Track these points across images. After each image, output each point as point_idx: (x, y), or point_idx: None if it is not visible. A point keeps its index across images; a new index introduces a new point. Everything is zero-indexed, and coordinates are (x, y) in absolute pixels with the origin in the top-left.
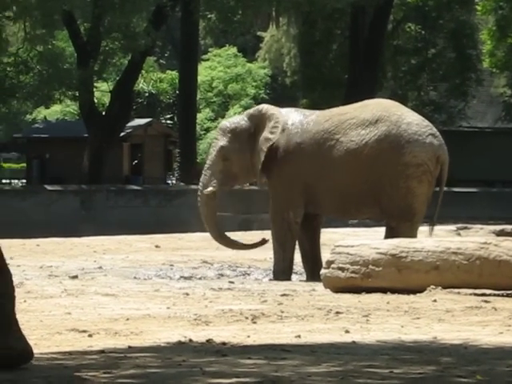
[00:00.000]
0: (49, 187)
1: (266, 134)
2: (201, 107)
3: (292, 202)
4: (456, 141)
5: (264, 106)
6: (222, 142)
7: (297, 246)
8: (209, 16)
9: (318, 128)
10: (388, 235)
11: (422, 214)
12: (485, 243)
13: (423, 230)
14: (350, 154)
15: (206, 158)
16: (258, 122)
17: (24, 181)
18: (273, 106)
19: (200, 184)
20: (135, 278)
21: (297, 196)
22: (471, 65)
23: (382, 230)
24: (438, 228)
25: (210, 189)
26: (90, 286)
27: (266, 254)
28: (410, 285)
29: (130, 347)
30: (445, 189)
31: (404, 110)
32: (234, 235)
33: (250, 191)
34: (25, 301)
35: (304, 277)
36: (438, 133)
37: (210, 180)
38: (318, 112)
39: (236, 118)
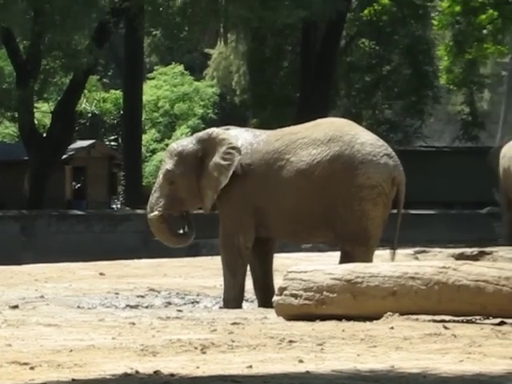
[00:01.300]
0: None
1: (216, 159)
2: (146, 128)
3: (242, 226)
4: (413, 161)
5: (214, 130)
6: (169, 165)
7: (248, 273)
8: (154, 33)
9: (268, 148)
10: (343, 260)
11: (377, 238)
12: (443, 267)
13: (380, 254)
14: (300, 174)
15: (153, 181)
16: (207, 146)
17: None
18: (223, 131)
19: (147, 207)
20: (79, 307)
21: (246, 219)
22: (428, 82)
23: (337, 254)
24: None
25: (155, 213)
26: (31, 316)
27: (216, 280)
28: (366, 311)
29: (73, 380)
30: (402, 211)
31: (358, 129)
32: (181, 261)
33: (199, 215)
34: None
35: (256, 304)
36: (393, 153)
37: (156, 203)
38: (268, 132)
39: (184, 141)
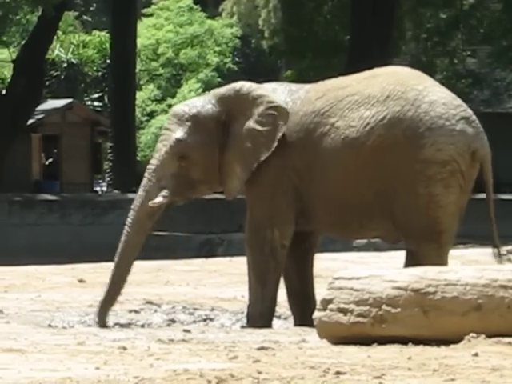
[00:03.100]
0: None
1: (251, 124)
2: (142, 83)
3: (278, 217)
4: (503, 127)
5: (244, 85)
6: (178, 133)
7: (281, 280)
8: None
9: (308, 108)
10: (409, 262)
11: (451, 232)
12: None
13: (459, 254)
14: (348, 145)
15: (152, 156)
16: (235, 107)
17: None
18: (257, 85)
19: (141, 192)
20: (50, 325)
21: (285, 208)
22: None
23: (400, 254)
24: (479, 251)
25: (158, 199)
26: None
27: (237, 290)
28: (440, 332)
29: None
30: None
31: (428, 82)
32: (189, 264)
33: (214, 201)
34: None
35: (291, 322)
36: (474, 117)
37: (159, 187)
38: (308, 86)
39: (198, 101)
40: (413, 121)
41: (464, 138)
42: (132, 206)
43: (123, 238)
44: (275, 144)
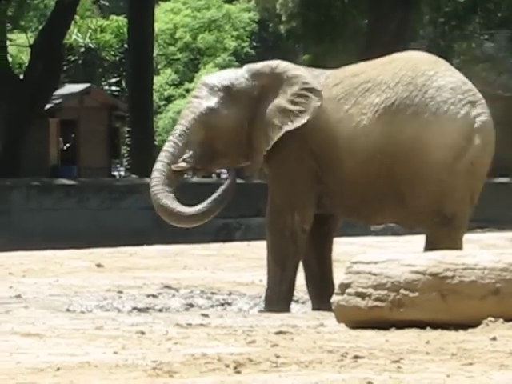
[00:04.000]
0: None
1: (282, 101)
2: (160, 67)
3: (299, 200)
4: None
5: (280, 63)
6: (210, 102)
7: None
8: None
9: (325, 94)
10: (427, 247)
11: (463, 217)
12: None
13: (478, 238)
14: (359, 132)
15: (171, 134)
16: (269, 83)
17: None
18: (295, 65)
19: (165, 153)
20: (68, 310)
21: (306, 191)
22: None
23: (418, 238)
24: (495, 235)
25: (181, 164)
26: (4, 323)
27: (255, 274)
28: (458, 317)
29: None
30: (506, 180)
31: (441, 67)
32: (206, 248)
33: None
34: None
35: (309, 306)
36: (482, 101)
37: (183, 152)
38: (328, 72)
39: (230, 73)
40: (419, 106)
41: (468, 122)
42: (155, 167)
43: (157, 197)
44: (301, 123)
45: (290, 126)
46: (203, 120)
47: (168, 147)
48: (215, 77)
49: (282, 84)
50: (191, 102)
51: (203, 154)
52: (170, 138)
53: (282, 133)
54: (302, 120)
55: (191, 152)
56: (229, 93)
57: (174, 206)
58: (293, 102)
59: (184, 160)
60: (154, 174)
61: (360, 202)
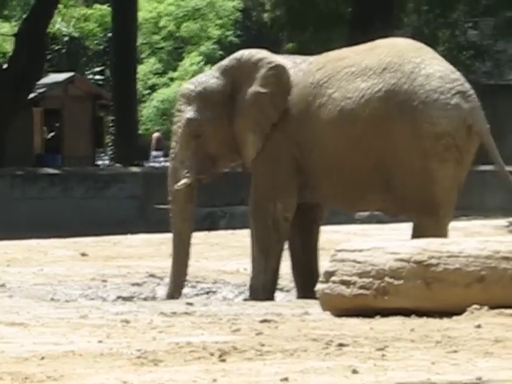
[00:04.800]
0: None
1: (255, 88)
2: (143, 56)
3: (281, 189)
4: (506, 99)
5: (244, 52)
6: (188, 112)
7: (285, 252)
8: None
9: (308, 80)
10: (414, 234)
11: (449, 206)
12: None
13: (462, 226)
14: (344, 116)
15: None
16: (238, 76)
17: None
18: (258, 50)
19: (170, 178)
20: (53, 299)
21: (287, 180)
22: None
23: (403, 227)
24: (481, 223)
25: (183, 181)
26: None
27: (239, 263)
28: (443, 304)
29: None
30: (490, 167)
31: (427, 55)
32: (193, 236)
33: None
34: None
35: (293, 295)
36: (471, 91)
37: (181, 169)
38: (311, 58)
39: (202, 76)
40: (408, 94)
41: (458, 112)
42: (168, 196)
43: (173, 230)
44: (284, 103)
45: (274, 114)
46: (188, 132)
47: (170, 169)
48: (189, 85)
49: (251, 72)
50: (175, 116)
51: (201, 163)
52: (169, 159)
53: (272, 121)
54: (282, 100)
55: (189, 166)
56: (203, 97)
57: None
58: (264, 85)
59: (184, 176)
60: (169, 204)
61: (345, 189)
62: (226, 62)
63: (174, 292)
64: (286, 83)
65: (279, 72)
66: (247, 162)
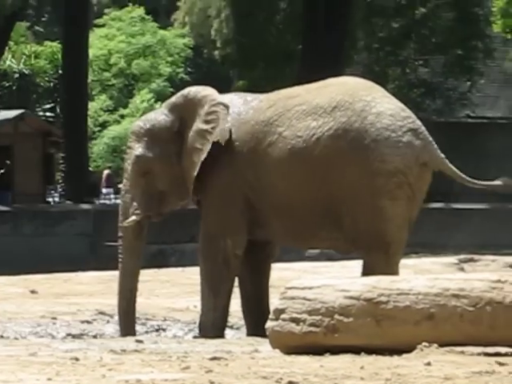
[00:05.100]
0: None
1: (198, 125)
2: (94, 93)
3: (231, 226)
4: (457, 136)
5: (191, 89)
6: (137, 150)
7: (235, 289)
8: None
9: (258, 118)
10: (364, 272)
11: (400, 243)
12: (498, 281)
13: (412, 263)
14: (294, 155)
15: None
16: (185, 113)
17: None
18: (204, 87)
19: (120, 216)
20: (2, 336)
21: (237, 217)
22: (477, 29)
23: (353, 264)
24: (431, 261)
25: (131, 218)
26: None
27: (189, 300)
28: (393, 342)
29: None
30: (441, 205)
31: (378, 93)
32: (141, 274)
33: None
34: None
35: (243, 332)
36: (422, 128)
37: (131, 206)
38: (262, 96)
39: (152, 114)
40: (359, 132)
41: (411, 149)
42: (118, 232)
43: (120, 266)
44: (215, 139)
45: (207, 146)
46: (137, 169)
47: (120, 208)
48: (139, 123)
49: (196, 108)
50: (126, 153)
51: (151, 200)
52: (121, 197)
53: (204, 154)
54: (215, 136)
55: (138, 203)
56: (152, 135)
57: None
58: (206, 122)
59: (133, 213)
60: (118, 240)
61: (296, 227)
62: (173, 98)
63: (127, 331)
64: (224, 121)
65: (219, 109)
66: (191, 197)
